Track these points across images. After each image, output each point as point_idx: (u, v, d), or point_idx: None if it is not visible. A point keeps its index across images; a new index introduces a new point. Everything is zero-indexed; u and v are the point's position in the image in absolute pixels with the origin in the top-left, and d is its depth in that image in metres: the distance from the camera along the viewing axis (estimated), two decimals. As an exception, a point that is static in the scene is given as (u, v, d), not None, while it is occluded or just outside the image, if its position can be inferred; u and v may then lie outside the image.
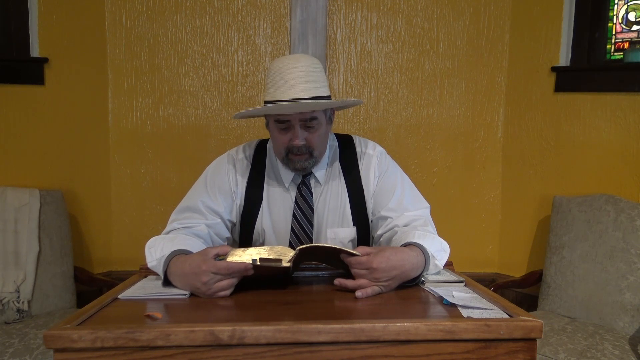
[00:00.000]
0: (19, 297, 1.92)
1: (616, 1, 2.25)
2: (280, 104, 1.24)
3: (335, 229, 1.41)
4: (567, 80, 2.27)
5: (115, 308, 0.97)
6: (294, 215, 1.40)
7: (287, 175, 1.41)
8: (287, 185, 1.41)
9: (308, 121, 1.30)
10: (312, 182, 1.42)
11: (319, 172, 1.42)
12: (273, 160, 1.45)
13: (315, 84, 1.28)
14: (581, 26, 2.24)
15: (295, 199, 1.40)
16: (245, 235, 1.44)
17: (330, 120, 1.41)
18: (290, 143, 1.31)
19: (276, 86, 1.29)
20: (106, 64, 2.39)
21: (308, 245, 1.08)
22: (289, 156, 1.33)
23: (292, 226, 1.40)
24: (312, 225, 1.40)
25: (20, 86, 2.16)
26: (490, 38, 2.44)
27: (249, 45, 2.43)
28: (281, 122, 1.30)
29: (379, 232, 1.38)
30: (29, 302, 1.94)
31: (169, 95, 2.43)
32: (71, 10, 2.26)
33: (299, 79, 1.29)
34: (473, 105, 2.48)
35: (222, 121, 2.45)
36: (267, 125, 1.39)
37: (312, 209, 1.40)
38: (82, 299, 2.15)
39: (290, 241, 1.40)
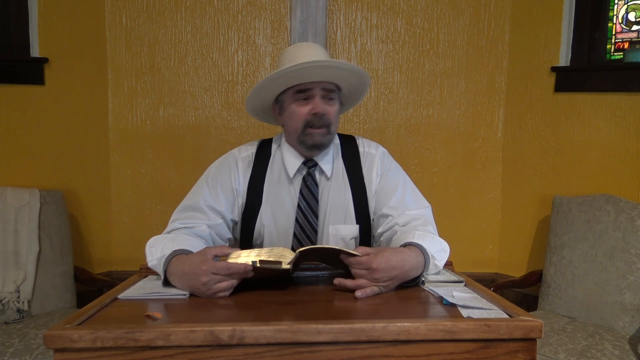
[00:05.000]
0: (19, 297, 1.92)
1: (616, 1, 2.25)
2: (310, 64, 1.27)
3: (337, 226, 1.41)
4: (567, 80, 2.27)
5: (115, 308, 0.97)
6: (298, 206, 1.40)
7: (292, 166, 1.41)
8: (292, 176, 1.41)
9: (329, 92, 1.35)
10: (317, 174, 1.43)
11: (324, 163, 1.42)
12: (277, 156, 1.45)
13: (329, 57, 1.36)
14: (581, 26, 2.24)
15: (300, 190, 1.41)
16: (247, 232, 1.43)
17: (340, 104, 1.44)
18: (312, 111, 1.33)
19: (294, 58, 1.32)
20: (106, 64, 2.39)
21: (308, 247, 1.08)
22: (307, 130, 1.34)
23: (296, 217, 1.40)
24: (317, 217, 1.40)
25: (20, 86, 2.16)
26: (490, 38, 2.44)
27: (249, 45, 2.43)
28: (302, 91, 1.33)
29: (379, 230, 1.39)
30: (29, 302, 1.94)
31: (169, 95, 2.43)
32: (71, 10, 2.26)
33: (318, 49, 1.37)
34: (473, 105, 2.48)
35: (222, 121, 2.45)
36: (281, 108, 1.39)
37: (317, 200, 1.41)
38: (82, 299, 2.15)
39: (295, 233, 1.40)
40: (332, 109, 1.36)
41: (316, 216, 1.40)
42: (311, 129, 1.34)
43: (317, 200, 1.41)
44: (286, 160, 1.42)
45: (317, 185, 1.42)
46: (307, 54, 1.33)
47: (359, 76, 1.38)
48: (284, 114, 1.41)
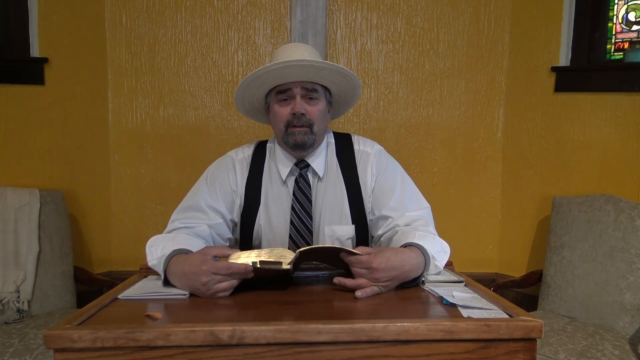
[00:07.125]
0: (19, 297, 1.92)
1: (616, 1, 2.25)
2: (283, 63, 1.26)
3: (333, 227, 1.40)
4: (567, 80, 2.27)
5: (115, 308, 0.97)
6: (292, 208, 1.40)
7: (284, 167, 1.41)
8: (284, 178, 1.40)
9: (309, 92, 1.34)
10: (310, 175, 1.42)
11: (316, 163, 1.41)
12: (272, 158, 1.45)
13: (317, 57, 1.34)
14: (581, 26, 2.24)
15: (293, 192, 1.40)
16: (245, 234, 1.44)
17: (329, 104, 1.42)
18: (291, 112, 1.33)
19: (276, 58, 1.33)
20: (106, 64, 2.39)
21: (308, 247, 1.08)
22: (289, 129, 1.34)
23: (291, 219, 1.39)
24: (311, 218, 1.39)
25: (20, 86, 2.16)
26: (490, 38, 2.45)
27: (249, 45, 2.43)
28: (282, 92, 1.34)
29: (379, 232, 1.38)
30: (29, 302, 1.94)
31: (169, 95, 2.43)
32: (71, 10, 2.26)
33: (303, 49, 1.37)
34: (473, 105, 2.48)
35: (222, 121, 2.45)
36: (268, 108, 1.41)
37: (310, 202, 1.40)
38: (82, 299, 2.15)
39: (290, 235, 1.40)
40: (313, 108, 1.35)
41: (310, 217, 1.39)
42: (292, 128, 1.33)
43: (310, 202, 1.40)
44: (279, 162, 1.42)
45: (309, 186, 1.41)
46: (290, 54, 1.32)
47: (343, 75, 1.36)
48: (269, 115, 1.41)
